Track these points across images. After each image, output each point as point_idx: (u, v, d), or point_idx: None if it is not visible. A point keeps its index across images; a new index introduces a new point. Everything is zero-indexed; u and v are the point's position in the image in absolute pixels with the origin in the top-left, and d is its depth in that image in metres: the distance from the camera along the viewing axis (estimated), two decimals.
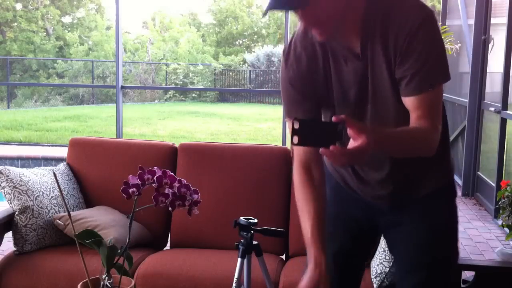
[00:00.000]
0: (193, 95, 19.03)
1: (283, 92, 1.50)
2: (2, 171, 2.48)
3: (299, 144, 1.18)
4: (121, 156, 2.81)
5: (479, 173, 5.53)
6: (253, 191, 2.68)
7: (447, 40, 5.37)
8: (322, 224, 1.47)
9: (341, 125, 1.16)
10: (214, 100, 18.81)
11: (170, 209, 1.33)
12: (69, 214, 1.41)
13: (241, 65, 20.69)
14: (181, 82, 18.88)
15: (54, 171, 2.73)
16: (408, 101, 1.35)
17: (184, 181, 1.35)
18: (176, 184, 1.33)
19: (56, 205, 2.57)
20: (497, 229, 4.45)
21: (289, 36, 1.60)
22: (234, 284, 1.89)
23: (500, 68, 4.92)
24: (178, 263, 2.42)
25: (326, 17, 1.29)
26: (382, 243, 2.16)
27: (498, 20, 5.61)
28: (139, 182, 1.32)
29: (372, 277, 2.22)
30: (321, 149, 1.17)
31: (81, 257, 1.35)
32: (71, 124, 12.38)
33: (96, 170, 2.81)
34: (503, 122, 4.78)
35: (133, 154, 2.81)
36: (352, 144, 1.16)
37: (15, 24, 21.08)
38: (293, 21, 7.29)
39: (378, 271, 2.21)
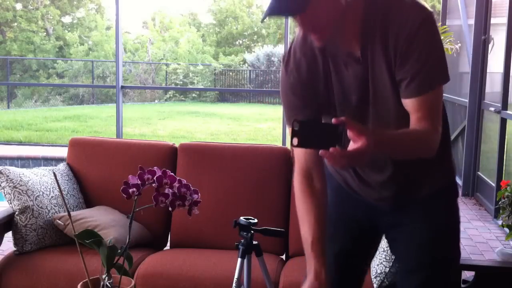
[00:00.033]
0: (193, 95, 19.03)
1: (284, 98, 1.50)
2: (2, 171, 2.48)
3: (298, 145, 1.17)
4: (121, 156, 2.81)
5: (479, 173, 5.53)
6: (253, 191, 2.68)
7: (447, 40, 5.37)
8: (322, 235, 1.47)
9: (341, 127, 1.16)
10: (214, 100, 18.81)
11: (170, 209, 1.33)
12: (69, 214, 1.41)
13: (241, 65, 20.69)
14: (181, 82, 18.88)
15: (54, 171, 2.73)
16: (408, 103, 1.35)
17: (184, 181, 1.35)
18: (176, 184, 1.33)
19: (56, 205, 2.57)
20: (497, 229, 4.45)
21: (289, 36, 1.60)
22: (234, 284, 1.89)
23: (500, 68, 4.92)
24: (178, 263, 2.42)
25: (324, 23, 1.29)
26: (382, 243, 2.16)
27: (498, 20, 5.61)
28: (139, 182, 1.32)
29: (372, 277, 2.22)
30: (320, 151, 1.16)
31: (81, 257, 1.35)
32: (71, 124, 12.38)
33: (96, 170, 2.81)
34: (503, 122, 4.78)
35: (133, 154, 2.81)
36: (352, 146, 1.16)
37: (15, 24, 21.08)
38: (293, 21, 7.29)
39: (378, 271, 2.21)
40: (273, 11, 1.25)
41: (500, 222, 4.01)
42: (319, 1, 1.25)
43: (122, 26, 7.18)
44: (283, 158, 2.71)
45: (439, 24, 6.46)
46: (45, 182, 2.59)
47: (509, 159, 4.81)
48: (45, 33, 21.41)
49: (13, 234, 2.47)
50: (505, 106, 4.76)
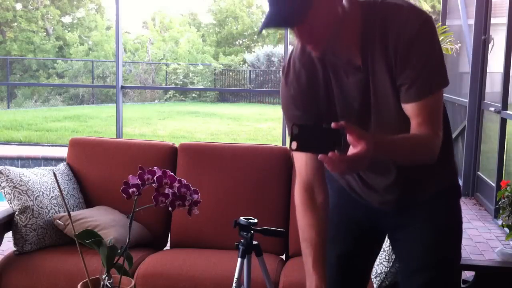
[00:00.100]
0: (193, 95, 19.03)
1: (284, 109, 1.50)
2: (2, 171, 2.48)
3: (297, 149, 1.16)
4: (121, 156, 2.81)
5: (479, 173, 5.53)
6: (253, 191, 2.68)
7: (447, 40, 5.37)
8: (323, 251, 1.48)
9: (340, 131, 1.15)
10: (214, 100, 18.81)
11: (170, 209, 1.33)
12: (69, 214, 1.41)
13: (241, 65, 20.69)
14: (181, 82, 18.88)
15: (54, 171, 2.73)
16: (408, 108, 1.35)
17: (184, 181, 1.35)
18: (176, 184, 1.33)
19: (56, 205, 2.57)
20: (497, 229, 4.45)
21: (289, 36, 1.60)
22: (234, 284, 1.89)
23: (500, 68, 4.92)
24: (178, 263, 2.42)
25: (321, 33, 1.29)
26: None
27: (498, 20, 5.61)
28: (139, 182, 1.32)
29: (372, 277, 2.22)
30: (319, 156, 1.16)
31: (81, 257, 1.35)
32: (71, 124, 12.38)
33: (96, 170, 2.81)
34: (503, 122, 4.78)
35: (133, 154, 2.81)
36: (351, 150, 1.16)
37: (15, 24, 21.08)
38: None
39: (378, 271, 2.21)
40: (270, 24, 1.25)
41: (500, 222, 4.01)
42: (316, 13, 1.24)
43: (122, 26, 7.18)
44: (283, 158, 2.71)
45: (439, 24, 6.46)
46: (45, 182, 2.59)
47: (509, 159, 4.81)
48: (45, 33, 21.41)
49: (13, 234, 2.47)
50: (505, 106, 4.76)
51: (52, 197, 2.57)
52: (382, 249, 2.19)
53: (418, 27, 1.31)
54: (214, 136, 11.23)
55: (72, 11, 23.14)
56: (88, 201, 2.78)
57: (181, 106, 16.75)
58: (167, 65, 19.84)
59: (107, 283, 1.28)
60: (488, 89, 5.49)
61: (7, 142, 9.46)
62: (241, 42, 24.53)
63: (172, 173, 1.34)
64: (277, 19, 1.25)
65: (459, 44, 5.88)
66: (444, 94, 1.41)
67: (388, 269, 2.18)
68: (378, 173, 1.52)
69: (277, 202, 2.66)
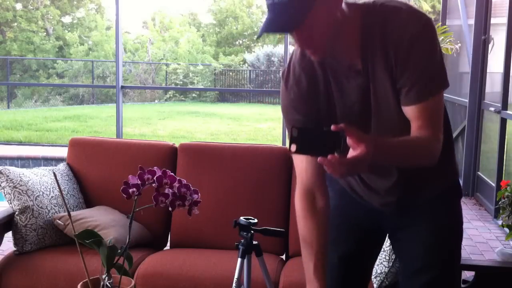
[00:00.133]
0: (193, 95, 19.03)
1: (285, 113, 1.50)
2: (2, 171, 2.48)
3: (297, 152, 1.16)
4: (121, 156, 2.81)
5: (479, 173, 5.53)
6: (253, 191, 2.68)
7: (447, 40, 5.37)
8: (324, 256, 1.48)
9: (340, 133, 1.14)
10: (214, 100, 18.81)
11: (170, 209, 1.33)
12: (69, 214, 1.41)
13: (241, 65, 20.68)
14: (181, 82, 18.88)
15: (54, 171, 2.73)
16: (409, 110, 1.35)
17: (184, 181, 1.35)
18: (176, 184, 1.33)
19: (56, 205, 2.57)
20: (497, 229, 4.45)
21: (289, 36, 1.59)
22: (234, 284, 1.89)
23: (500, 68, 4.92)
24: (178, 263, 2.42)
25: (320, 38, 1.28)
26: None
27: (498, 20, 5.61)
28: (139, 182, 1.32)
29: (372, 277, 2.22)
30: (319, 158, 1.15)
31: (81, 257, 1.35)
32: (71, 124, 12.38)
33: (96, 170, 2.81)
34: (503, 122, 4.78)
35: (133, 154, 2.81)
36: (351, 153, 1.15)
37: (15, 24, 21.08)
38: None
39: (378, 271, 2.21)
40: (268, 28, 1.24)
41: (500, 222, 4.01)
42: (314, 17, 1.24)
43: (122, 26, 7.18)
44: (283, 158, 2.71)
45: (439, 24, 6.45)
46: (45, 182, 2.59)
47: (509, 159, 4.81)
48: (45, 33, 21.41)
49: (13, 234, 2.47)
50: (505, 106, 4.76)
51: (52, 197, 2.57)
52: (382, 249, 2.19)
53: (418, 30, 1.31)
54: (214, 136, 11.23)
55: (72, 11, 23.15)
56: (88, 201, 2.78)
57: (181, 106, 16.75)
58: (167, 65, 19.84)
59: (107, 283, 1.28)
60: (488, 89, 5.49)
61: (7, 142, 9.46)
62: (241, 42, 24.53)
63: (172, 173, 1.34)
64: (275, 24, 1.24)
65: (459, 44, 5.88)
66: (444, 94, 1.41)
67: (388, 269, 2.18)
68: (379, 175, 1.52)
69: (277, 202, 2.66)
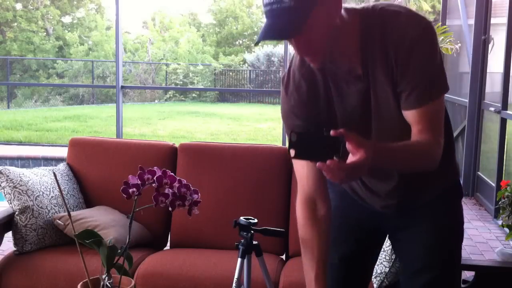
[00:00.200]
0: (193, 95, 19.03)
1: (285, 119, 1.50)
2: (2, 171, 2.48)
3: (295, 157, 1.15)
4: (121, 156, 2.81)
5: (479, 173, 5.53)
6: (253, 191, 2.68)
7: (447, 40, 5.37)
8: (325, 263, 1.49)
9: (340, 139, 1.14)
10: (214, 100, 18.81)
11: (170, 209, 1.33)
12: (69, 214, 1.41)
13: (241, 65, 20.69)
14: (181, 82, 18.88)
15: (54, 171, 2.73)
16: (409, 114, 1.35)
17: (184, 181, 1.34)
18: (176, 184, 1.33)
19: (56, 205, 2.57)
20: (497, 229, 4.45)
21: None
22: (234, 284, 1.89)
23: (500, 68, 4.92)
24: (178, 263, 2.42)
25: (319, 45, 1.28)
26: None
27: (498, 20, 5.61)
28: (139, 182, 1.32)
29: (372, 277, 2.22)
30: (318, 164, 1.15)
31: (81, 257, 1.34)
32: (71, 124, 12.38)
33: (96, 170, 2.81)
34: (503, 122, 4.79)
35: (133, 154, 2.81)
36: (351, 158, 1.15)
37: (15, 24, 21.08)
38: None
39: (378, 271, 2.21)
40: (267, 35, 1.23)
41: (500, 222, 4.01)
42: (313, 24, 1.22)
43: (122, 26, 7.18)
44: (283, 158, 2.71)
45: (439, 24, 6.45)
46: (45, 182, 2.59)
47: (509, 159, 4.81)
48: (45, 33, 21.41)
49: (13, 234, 2.47)
50: (505, 106, 4.76)
51: (52, 197, 2.57)
52: (382, 249, 2.19)
53: (418, 33, 1.30)
54: (214, 136, 11.23)
55: (72, 11, 23.15)
56: (88, 201, 2.78)
57: (181, 106, 16.76)
58: (167, 65, 19.84)
59: (107, 283, 1.28)
60: (488, 89, 5.49)
61: (7, 142, 9.46)
62: (241, 42, 24.53)
63: (172, 173, 1.34)
64: (274, 30, 1.23)
65: (459, 44, 5.88)
66: (444, 95, 1.41)
67: (388, 269, 2.18)
68: (380, 178, 1.52)
69: (277, 202, 2.66)
